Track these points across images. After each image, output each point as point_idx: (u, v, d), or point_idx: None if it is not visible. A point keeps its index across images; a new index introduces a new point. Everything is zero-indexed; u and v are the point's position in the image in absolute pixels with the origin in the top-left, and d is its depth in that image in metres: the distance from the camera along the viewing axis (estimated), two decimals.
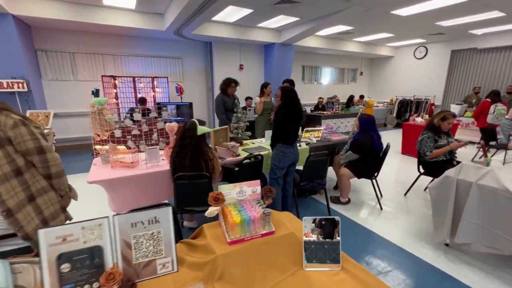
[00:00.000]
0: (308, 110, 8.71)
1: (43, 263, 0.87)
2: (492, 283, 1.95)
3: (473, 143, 6.02)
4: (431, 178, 3.35)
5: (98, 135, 2.36)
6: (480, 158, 2.14)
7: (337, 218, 1.11)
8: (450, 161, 3.12)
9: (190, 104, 5.29)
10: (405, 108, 9.13)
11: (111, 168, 2.39)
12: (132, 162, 2.41)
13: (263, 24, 6.28)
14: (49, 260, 0.88)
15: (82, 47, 5.71)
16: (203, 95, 7.43)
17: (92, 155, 2.73)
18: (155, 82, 6.31)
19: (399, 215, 3.01)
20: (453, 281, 1.98)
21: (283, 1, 4.55)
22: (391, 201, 3.36)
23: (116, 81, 5.82)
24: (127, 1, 4.64)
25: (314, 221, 1.09)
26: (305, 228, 1.09)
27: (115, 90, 5.85)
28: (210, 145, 2.29)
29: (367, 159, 3.05)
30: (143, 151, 2.43)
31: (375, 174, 3.15)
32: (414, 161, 3.41)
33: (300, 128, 3.67)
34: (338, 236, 1.10)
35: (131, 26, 5.18)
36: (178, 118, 5.25)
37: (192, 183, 2.12)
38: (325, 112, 7.47)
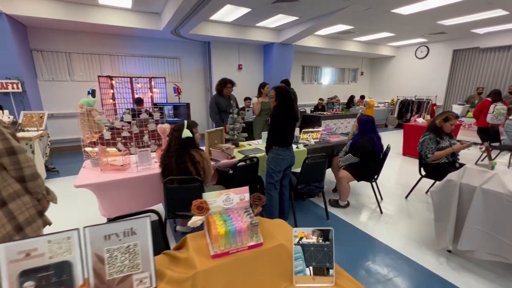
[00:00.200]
0: (308, 110, 8.63)
1: (3, 281, 0.79)
2: None
3: (476, 144, 5.91)
4: (432, 181, 3.26)
5: (87, 137, 2.28)
6: (483, 160, 2.04)
7: (330, 229, 1.02)
8: (452, 163, 3.02)
9: (187, 105, 5.22)
10: (406, 108, 9.02)
11: (100, 171, 2.31)
12: (122, 165, 2.33)
13: (261, 24, 6.20)
14: (10, 278, 0.80)
15: (79, 47, 5.64)
16: (202, 95, 7.36)
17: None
18: (152, 83, 6.24)
19: (400, 219, 2.92)
20: None
21: None
22: (392, 205, 3.27)
23: (113, 82, 5.76)
24: (123, 0, 4.57)
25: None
26: (295, 238, 1.00)
27: (112, 91, 5.78)
28: (201, 147, 2.21)
29: (367, 161, 2.96)
30: (134, 154, 2.35)
31: (375, 177, 3.06)
32: (415, 162, 3.31)
33: (298, 129, 3.60)
34: (332, 247, 1.01)
35: (127, 25, 5.11)
36: (175, 119, 5.17)
37: (182, 187, 2.04)
38: (324, 113, 7.38)
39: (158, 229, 1.49)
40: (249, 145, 3.38)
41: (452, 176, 2.14)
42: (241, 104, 6.57)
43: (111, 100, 5.78)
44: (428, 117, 6.04)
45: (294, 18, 5.65)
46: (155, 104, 5.12)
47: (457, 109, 7.23)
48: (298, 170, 2.75)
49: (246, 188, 1.17)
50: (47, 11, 4.49)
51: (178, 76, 6.87)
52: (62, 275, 0.85)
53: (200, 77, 7.23)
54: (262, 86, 4.18)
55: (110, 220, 1.38)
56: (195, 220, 1.06)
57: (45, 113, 4.32)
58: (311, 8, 4.97)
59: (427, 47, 8.81)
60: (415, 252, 2.32)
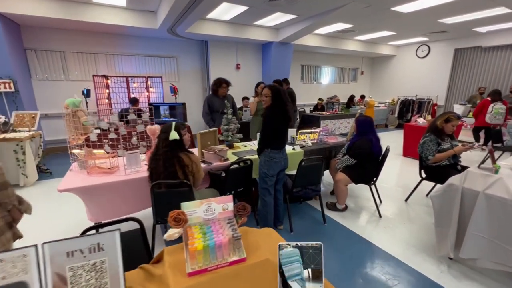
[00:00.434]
0: (307, 110, 8.53)
1: None
2: None
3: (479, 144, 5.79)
4: (433, 184, 3.16)
5: (74, 139, 2.19)
6: (484, 162, 1.94)
7: (319, 244, 0.92)
8: (454, 165, 2.92)
9: (184, 105, 5.13)
10: (407, 108, 8.90)
11: (87, 175, 2.22)
12: (110, 168, 2.24)
13: (259, 22, 6.10)
14: None
15: (73, 46, 5.56)
16: (199, 95, 7.26)
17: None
18: (149, 82, 6.15)
19: (399, 223, 2.82)
20: None
21: None
22: (391, 208, 3.17)
23: (109, 81, 5.67)
24: None
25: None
26: (281, 256, 0.91)
27: (107, 90, 5.69)
28: (190, 150, 2.11)
29: (365, 164, 2.86)
30: (121, 156, 2.26)
31: (374, 180, 2.96)
32: (415, 163, 3.21)
33: (295, 130, 3.50)
34: (322, 266, 0.91)
35: (122, 24, 5.02)
36: (171, 119, 5.08)
37: (170, 191, 1.95)
38: (324, 113, 7.27)
39: (140, 238, 1.40)
40: (245, 146, 3.29)
41: (453, 180, 2.04)
42: (239, 104, 6.47)
43: (106, 100, 5.69)
44: (429, 117, 5.94)
45: (292, 16, 5.55)
46: (150, 104, 5.02)
47: (458, 109, 7.11)
48: (294, 172, 2.65)
49: (230, 197, 1.08)
50: (41, 9, 4.40)
51: (175, 75, 6.78)
52: None
53: (198, 76, 7.14)
54: (256, 85, 4.09)
55: (89, 229, 1.30)
56: (172, 233, 0.97)
57: (37, 113, 4.23)
58: (309, 6, 4.87)
59: (428, 46, 8.69)
60: (415, 259, 2.22)
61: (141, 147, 2.29)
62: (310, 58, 8.99)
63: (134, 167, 2.29)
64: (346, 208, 3.08)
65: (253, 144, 3.38)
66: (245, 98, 6.53)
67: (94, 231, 1.04)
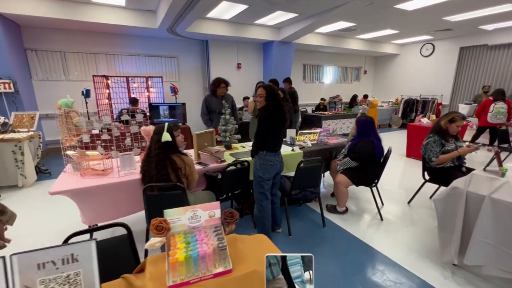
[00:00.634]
0: (309, 110, 8.45)
1: None
2: None
3: (485, 145, 5.67)
4: (437, 186, 3.07)
5: (66, 140, 2.15)
6: (488, 165, 1.86)
7: (310, 255, 0.86)
8: (458, 167, 2.83)
9: (183, 105, 5.08)
10: (411, 108, 8.77)
11: (80, 176, 2.18)
12: (103, 170, 2.20)
13: (260, 21, 6.03)
14: None
15: (74, 46, 5.55)
16: (200, 95, 7.21)
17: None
18: (149, 82, 6.12)
19: (402, 227, 2.73)
20: None
21: None
22: (393, 211, 3.08)
23: (109, 81, 5.65)
24: None
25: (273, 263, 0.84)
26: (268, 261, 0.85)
27: (107, 91, 5.68)
28: (184, 152, 2.06)
29: (367, 166, 2.78)
30: (115, 158, 2.21)
31: (375, 182, 2.88)
32: (419, 164, 3.12)
33: (295, 130, 3.43)
34: (311, 280, 0.85)
35: (122, 24, 4.99)
36: (170, 119, 5.04)
37: (163, 194, 1.89)
38: (326, 113, 7.19)
39: (127, 244, 1.35)
40: (243, 147, 3.23)
41: (457, 183, 1.95)
42: (240, 104, 6.42)
43: (106, 100, 5.67)
44: (434, 117, 5.82)
45: (293, 15, 5.48)
46: (150, 104, 4.99)
47: (463, 108, 6.97)
48: (292, 174, 2.59)
49: (217, 203, 1.02)
50: (40, 9, 4.39)
51: (175, 75, 6.75)
52: None
53: (198, 76, 7.09)
54: (256, 85, 4.03)
55: (73, 235, 1.25)
56: (153, 242, 0.91)
57: (36, 114, 4.22)
58: (310, 4, 4.79)
59: (432, 44, 8.54)
60: (417, 265, 2.14)
61: (135, 149, 2.24)
62: (312, 57, 8.90)
63: (128, 168, 2.24)
64: (346, 210, 3.00)
65: None
66: (246, 98, 6.48)
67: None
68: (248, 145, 3.32)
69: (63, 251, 0.79)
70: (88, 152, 2.21)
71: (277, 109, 2.13)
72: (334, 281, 1.98)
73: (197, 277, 0.86)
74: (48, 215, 2.99)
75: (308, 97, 8.87)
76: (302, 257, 0.86)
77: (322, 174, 4.04)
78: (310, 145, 3.22)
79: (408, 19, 5.90)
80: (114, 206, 2.23)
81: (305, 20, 5.73)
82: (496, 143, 5.40)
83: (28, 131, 4.01)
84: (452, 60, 8.17)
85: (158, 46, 6.34)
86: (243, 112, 5.99)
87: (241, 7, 4.98)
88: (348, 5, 4.66)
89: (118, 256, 1.24)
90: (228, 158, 2.68)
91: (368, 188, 2.93)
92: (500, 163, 1.88)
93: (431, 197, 3.32)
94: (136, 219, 2.51)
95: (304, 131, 3.29)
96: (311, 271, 0.84)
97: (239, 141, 3.25)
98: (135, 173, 2.23)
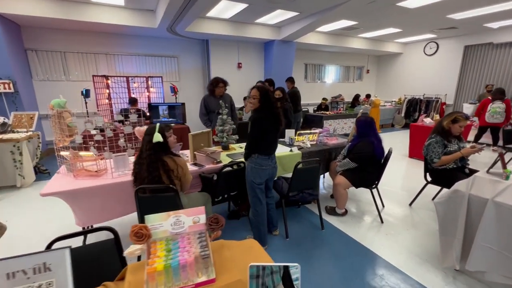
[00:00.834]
0: (310, 110, 8.38)
1: None
2: None
3: (489, 145, 5.56)
4: (439, 187, 3.00)
5: (60, 141, 2.12)
6: (492, 167, 1.79)
7: (296, 265, 0.80)
8: (461, 168, 2.75)
9: (183, 105, 5.05)
10: (414, 107, 8.65)
11: (73, 178, 2.15)
12: (97, 171, 2.17)
13: (261, 20, 5.98)
14: None
15: (74, 46, 5.54)
16: (200, 95, 7.15)
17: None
18: (149, 82, 6.10)
19: (402, 230, 2.67)
20: None
21: None
22: (394, 213, 3.01)
23: (109, 81, 5.64)
24: None
25: (257, 274, 0.78)
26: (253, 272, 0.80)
27: (107, 91, 5.67)
28: (177, 153, 2.02)
29: (366, 167, 2.72)
30: (108, 159, 2.18)
31: (375, 183, 2.81)
32: (422, 165, 3.04)
33: (294, 130, 3.37)
34: None
35: (121, 23, 4.97)
36: (170, 119, 5.01)
37: (154, 196, 1.85)
38: (327, 112, 7.11)
39: (114, 249, 1.31)
40: (241, 147, 3.18)
41: (459, 186, 1.89)
42: (240, 104, 6.38)
43: (106, 100, 5.66)
44: (437, 116, 5.72)
45: (294, 13, 5.41)
46: (149, 104, 4.96)
47: (468, 108, 6.85)
48: (291, 175, 2.53)
49: (202, 209, 0.97)
50: (39, 9, 4.38)
51: (176, 75, 6.72)
52: None
53: (199, 76, 7.06)
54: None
55: (55, 241, 1.21)
56: (133, 249, 0.86)
57: (35, 114, 4.22)
58: (311, 2, 4.72)
59: (436, 43, 8.41)
60: (418, 269, 2.08)
61: (129, 149, 2.20)
62: (313, 56, 8.82)
63: (122, 169, 2.21)
64: (346, 212, 2.94)
65: None
66: (246, 98, 6.43)
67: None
68: None
69: (34, 260, 0.75)
70: (82, 153, 2.17)
71: (271, 111, 2.06)
72: (331, 286, 1.92)
73: (178, 287, 0.81)
74: (45, 216, 2.97)
75: (310, 97, 8.79)
76: (289, 266, 0.80)
77: (322, 175, 4.01)
78: (309, 145, 3.16)
79: (411, 17, 5.80)
80: (108, 207, 2.20)
81: (306, 19, 5.67)
82: (500, 143, 5.33)
83: (27, 131, 4.01)
84: (456, 59, 8.03)
85: (158, 46, 6.32)
86: (243, 112, 5.95)
87: (241, 6, 4.93)
88: (349, 3, 4.59)
89: (103, 262, 1.20)
90: (225, 159, 2.63)
91: (369, 190, 2.87)
92: (504, 165, 1.81)
93: (433, 199, 3.25)
94: (134, 220, 2.48)
95: (302, 132, 3.23)
96: (297, 282, 0.79)
97: (239, 141, 3.20)
98: (129, 174, 2.19)
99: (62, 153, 2.27)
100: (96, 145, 2.08)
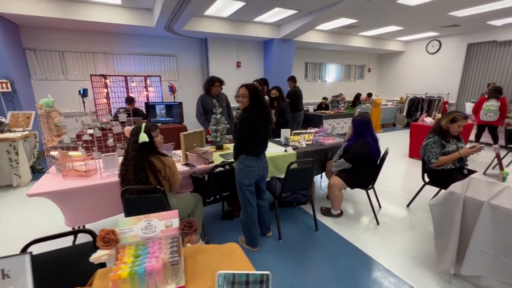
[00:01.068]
0: (311, 109, 8.31)
1: None
2: None
3: (490, 144, 5.46)
4: (438, 189, 2.93)
5: (48, 141, 2.10)
6: (494, 167, 1.73)
7: (266, 273, 0.76)
8: (459, 169, 2.68)
9: (180, 104, 5.02)
10: (416, 106, 8.54)
11: (62, 178, 2.13)
12: (85, 171, 2.14)
13: (259, 19, 5.92)
14: None
15: (72, 45, 5.54)
16: (199, 94, 7.12)
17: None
18: (148, 81, 6.09)
19: (399, 231, 2.61)
20: None
21: None
22: (391, 214, 2.96)
23: (107, 80, 5.63)
24: None
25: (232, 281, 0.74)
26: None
27: (106, 90, 5.66)
28: (168, 152, 1.98)
29: (362, 167, 2.66)
30: (96, 159, 2.15)
31: (371, 184, 2.75)
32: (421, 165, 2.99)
33: (290, 130, 3.33)
34: None
35: (118, 22, 4.95)
36: (167, 119, 4.99)
37: (141, 197, 1.82)
38: (327, 112, 7.04)
39: (92, 253, 1.28)
40: None
41: (455, 187, 1.83)
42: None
43: (104, 100, 5.66)
44: (439, 116, 5.63)
45: (292, 12, 5.35)
46: (146, 104, 4.94)
47: (470, 107, 6.69)
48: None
49: (175, 212, 0.94)
50: (37, 8, 4.37)
51: (174, 74, 6.70)
52: None
53: (198, 75, 7.03)
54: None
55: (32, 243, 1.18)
56: (99, 255, 0.83)
57: (32, 114, 4.22)
58: (309, 0, 4.66)
59: (439, 41, 8.28)
60: (412, 273, 2.02)
61: (118, 149, 2.17)
62: (314, 55, 8.74)
63: (112, 170, 2.18)
64: (341, 213, 2.89)
65: None
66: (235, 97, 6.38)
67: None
68: None
69: None
70: (71, 153, 2.15)
71: (260, 110, 2.01)
72: None
73: None
74: (42, 215, 2.97)
75: (310, 96, 8.71)
76: (260, 275, 0.76)
77: (320, 175, 3.96)
78: (305, 145, 3.11)
79: (412, 15, 5.70)
80: (97, 208, 2.18)
81: (305, 17, 5.60)
82: (496, 144, 5.25)
83: (23, 131, 4.01)
84: (459, 57, 7.90)
85: (157, 45, 6.30)
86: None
87: (239, 4, 4.88)
88: (348, 1, 4.52)
89: (80, 266, 1.17)
90: (218, 159, 2.60)
91: (365, 191, 2.81)
92: (501, 166, 1.75)
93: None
94: None
95: (298, 131, 3.18)
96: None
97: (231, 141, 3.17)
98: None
99: (52, 153, 2.25)
100: (85, 145, 2.05)
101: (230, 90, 4.70)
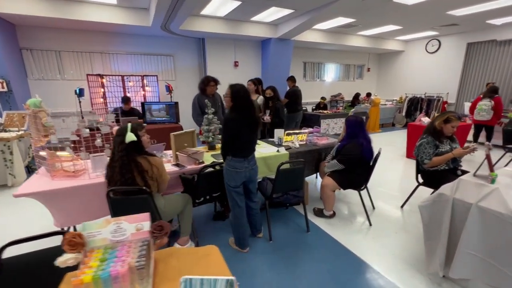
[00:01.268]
0: (309, 109, 8.27)
1: None
2: None
3: (494, 146, 5.42)
4: (432, 190, 2.90)
5: (36, 141, 2.09)
6: (479, 169, 1.71)
7: (231, 279, 0.75)
8: (453, 170, 2.65)
9: (176, 104, 5.01)
10: (415, 106, 8.48)
11: (50, 178, 2.12)
12: (74, 172, 2.13)
13: (256, 18, 5.90)
14: None
15: (69, 45, 5.54)
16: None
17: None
18: (145, 81, 6.08)
19: (391, 233, 2.59)
20: None
21: None
22: (384, 215, 2.93)
23: (104, 80, 5.64)
24: None
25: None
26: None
27: (102, 90, 5.67)
28: (160, 153, 1.97)
29: (355, 168, 2.64)
30: (84, 159, 2.15)
31: (364, 185, 2.73)
32: None
33: (283, 130, 3.30)
34: None
35: (114, 22, 4.95)
36: (163, 119, 4.98)
37: (128, 199, 1.81)
38: (325, 111, 7.01)
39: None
40: None
41: (444, 189, 1.81)
42: None
43: (101, 99, 5.66)
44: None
45: (289, 11, 5.32)
46: (142, 103, 4.93)
47: (468, 107, 6.68)
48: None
49: (146, 215, 0.92)
50: (33, 8, 4.37)
51: (172, 74, 6.69)
52: None
53: (195, 75, 7.01)
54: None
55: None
56: (65, 258, 0.82)
57: (27, 113, 4.21)
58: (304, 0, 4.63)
59: (438, 40, 8.22)
60: (402, 275, 2.00)
61: (107, 150, 2.16)
62: (312, 54, 8.70)
63: (101, 170, 2.17)
64: (334, 214, 2.87)
65: None
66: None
67: None
68: None
69: None
70: (59, 153, 2.14)
71: (244, 111, 1.96)
72: None
73: None
74: (35, 215, 2.97)
75: (309, 96, 8.67)
76: (226, 280, 0.75)
77: (316, 176, 3.94)
78: (298, 145, 3.09)
79: (410, 14, 5.66)
80: (86, 208, 2.17)
81: (302, 16, 5.57)
82: (499, 143, 5.23)
83: (18, 131, 4.01)
84: (459, 57, 7.85)
85: (154, 45, 6.29)
86: None
87: (235, 3, 4.86)
88: (344, 0, 4.48)
89: (52, 269, 1.16)
90: (210, 159, 2.58)
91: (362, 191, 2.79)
92: (491, 168, 1.72)
93: None
94: None
95: (291, 131, 3.16)
96: None
97: None
98: None
99: (42, 153, 2.25)
100: (72, 145, 2.04)
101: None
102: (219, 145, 3.10)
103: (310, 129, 3.38)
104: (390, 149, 5.80)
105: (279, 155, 2.84)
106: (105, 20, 4.86)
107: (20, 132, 3.96)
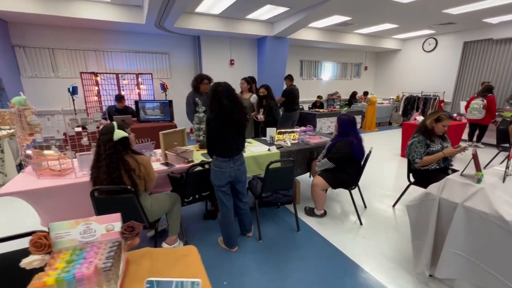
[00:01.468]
0: (306, 107, 8.26)
1: None
2: None
3: (486, 144, 5.43)
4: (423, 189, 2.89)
5: (21, 139, 2.07)
6: (465, 169, 1.70)
7: (197, 281, 0.73)
8: (444, 169, 2.65)
9: (170, 102, 4.98)
10: (412, 105, 8.48)
11: (36, 177, 2.10)
12: (60, 170, 2.11)
13: (252, 16, 5.86)
14: None
15: (62, 43, 5.50)
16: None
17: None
18: (140, 79, 6.05)
19: (382, 232, 2.58)
20: None
21: None
22: (376, 214, 2.92)
23: (98, 78, 5.60)
24: None
25: None
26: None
27: (96, 88, 5.63)
28: (150, 151, 1.95)
29: (345, 167, 2.63)
30: (71, 158, 2.13)
31: (354, 184, 2.72)
32: None
33: (275, 129, 3.29)
34: None
35: (108, 19, 4.91)
36: (157, 117, 4.95)
37: (113, 198, 1.79)
38: (320, 110, 7.00)
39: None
40: None
41: (431, 189, 1.80)
42: None
43: (95, 98, 5.63)
44: None
45: (284, 9, 5.29)
46: (136, 102, 4.90)
47: (464, 105, 6.68)
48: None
49: (117, 215, 0.90)
50: (26, 5, 4.32)
51: (167, 72, 6.65)
52: None
53: (191, 73, 6.97)
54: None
55: None
56: (31, 260, 0.80)
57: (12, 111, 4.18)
58: None
59: (435, 39, 8.20)
60: (389, 275, 1.99)
61: (93, 148, 2.14)
62: (309, 53, 8.67)
63: (87, 169, 2.14)
64: (325, 213, 2.86)
65: None
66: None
67: None
68: None
69: None
70: (46, 152, 2.12)
71: (223, 111, 1.89)
72: None
73: None
74: (27, 214, 2.94)
75: (306, 94, 8.64)
76: (191, 282, 0.73)
77: (308, 175, 3.92)
78: (289, 144, 3.08)
79: (406, 12, 5.63)
80: (73, 207, 2.15)
81: (298, 14, 5.54)
82: (471, 142, 5.45)
83: (10, 129, 3.98)
84: (455, 55, 7.83)
85: (149, 42, 6.25)
86: None
87: (229, 1, 4.82)
88: None
89: (23, 271, 1.15)
90: (200, 158, 2.56)
91: (355, 190, 2.78)
92: (478, 167, 1.71)
93: None
94: None
95: (283, 130, 3.14)
96: None
97: None
98: None
99: (28, 151, 2.22)
100: (58, 144, 2.02)
101: None
102: None
103: (303, 128, 3.36)
104: (386, 148, 5.81)
105: (270, 154, 2.82)
106: (98, 17, 4.81)
107: (12, 130, 3.93)
